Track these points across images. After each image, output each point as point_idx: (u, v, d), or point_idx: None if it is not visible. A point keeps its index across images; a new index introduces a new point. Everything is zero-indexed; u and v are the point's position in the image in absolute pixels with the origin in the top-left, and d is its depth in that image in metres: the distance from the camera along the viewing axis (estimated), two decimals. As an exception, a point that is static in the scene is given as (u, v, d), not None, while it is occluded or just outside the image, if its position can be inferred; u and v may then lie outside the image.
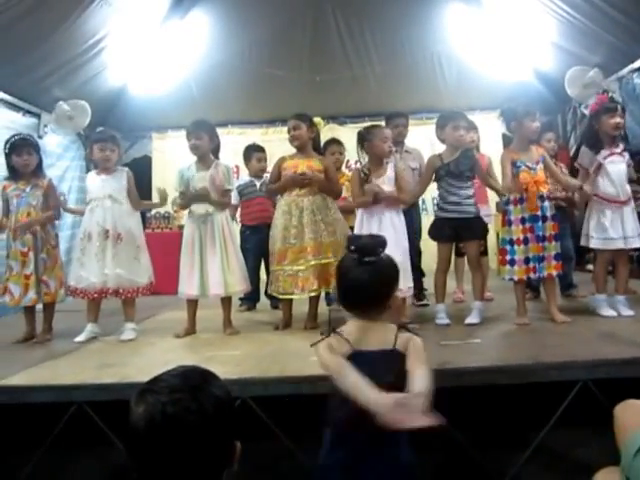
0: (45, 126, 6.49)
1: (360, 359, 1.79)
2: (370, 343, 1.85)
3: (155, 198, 7.49)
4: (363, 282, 1.86)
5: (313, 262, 3.84)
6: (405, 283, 3.72)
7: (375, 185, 3.72)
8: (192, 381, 1.15)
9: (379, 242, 1.92)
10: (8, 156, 4.08)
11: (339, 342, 1.84)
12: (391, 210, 3.79)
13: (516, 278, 3.73)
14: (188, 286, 3.93)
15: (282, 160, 4.12)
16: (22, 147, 4.06)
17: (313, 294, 3.92)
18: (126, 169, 4.21)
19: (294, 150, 4.13)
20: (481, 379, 2.73)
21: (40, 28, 5.34)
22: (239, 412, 1.14)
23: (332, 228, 3.93)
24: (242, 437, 1.23)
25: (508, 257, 3.75)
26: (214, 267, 3.89)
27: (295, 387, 2.73)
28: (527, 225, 3.69)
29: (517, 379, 2.73)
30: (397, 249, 3.73)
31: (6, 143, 4.10)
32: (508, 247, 3.75)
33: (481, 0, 6.89)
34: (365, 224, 3.78)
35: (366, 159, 3.90)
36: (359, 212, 3.88)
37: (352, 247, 1.89)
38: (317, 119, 4.22)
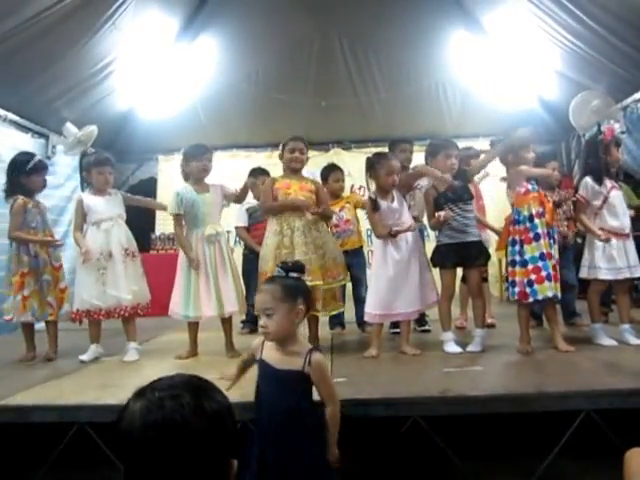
0: (54, 147, 6.55)
1: None
2: None
3: (159, 220, 7.64)
4: None
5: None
6: (431, 298, 3.83)
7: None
8: (195, 383, 1.13)
9: None
10: (27, 174, 4.12)
11: None
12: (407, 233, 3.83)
13: (551, 294, 3.56)
14: (206, 307, 3.90)
15: (273, 181, 4.11)
16: (43, 169, 4.23)
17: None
18: (120, 191, 4.38)
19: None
20: (483, 407, 2.71)
21: (50, 51, 5.43)
22: (238, 432, 1.13)
23: (322, 251, 3.90)
24: (240, 459, 1.21)
25: (544, 273, 3.57)
26: (226, 286, 3.93)
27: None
28: (550, 240, 3.65)
29: (520, 408, 2.72)
30: (415, 269, 3.77)
31: (24, 162, 4.13)
32: (540, 263, 3.58)
33: (485, 28, 6.96)
34: (390, 247, 3.81)
35: (373, 186, 3.94)
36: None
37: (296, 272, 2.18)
38: None
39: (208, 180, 4.16)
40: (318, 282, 3.78)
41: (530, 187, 3.74)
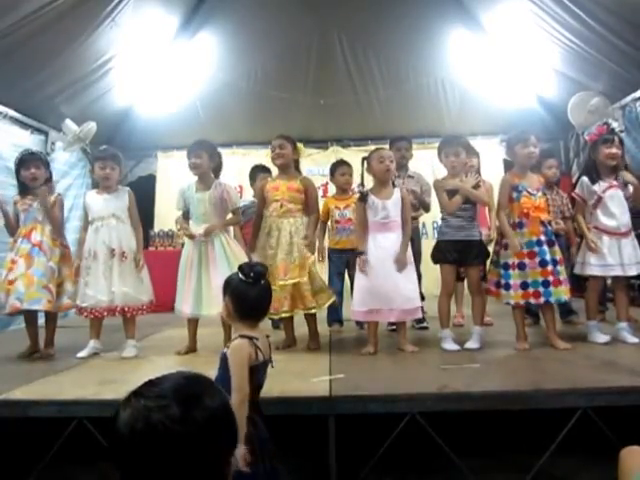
0: (53, 144, 6.55)
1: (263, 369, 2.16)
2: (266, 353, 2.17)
3: (158, 217, 7.65)
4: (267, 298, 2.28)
5: (281, 282, 3.81)
6: (414, 302, 3.79)
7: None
8: (187, 389, 1.06)
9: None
10: (17, 171, 4.12)
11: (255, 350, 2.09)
12: (397, 232, 3.82)
13: (512, 302, 3.73)
14: (185, 305, 3.96)
15: (264, 183, 4.17)
16: (29, 161, 4.11)
17: (284, 315, 3.90)
18: (127, 189, 4.26)
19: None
20: (481, 404, 2.72)
21: (50, 47, 5.43)
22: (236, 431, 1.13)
23: (305, 251, 3.95)
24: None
25: (503, 281, 3.75)
26: (214, 286, 3.85)
27: (291, 407, 2.76)
28: (525, 250, 3.69)
29: (517, 405, 2.73)
30: (404, 269, 3.76)
31: (16, 160, 4.15)
32: (502, 271, 3.75)
33: (484, 27, 6.96)
34: (372, 245, 3.81)
35: (370, 183, 3.95)
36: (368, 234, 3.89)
37: (252, 273, 2.19)
38: (298, 144, 4.27)
39: (223, 179, 4.19)
40: (301, 279, 3.85)
41: (515, 195, 3.77)
